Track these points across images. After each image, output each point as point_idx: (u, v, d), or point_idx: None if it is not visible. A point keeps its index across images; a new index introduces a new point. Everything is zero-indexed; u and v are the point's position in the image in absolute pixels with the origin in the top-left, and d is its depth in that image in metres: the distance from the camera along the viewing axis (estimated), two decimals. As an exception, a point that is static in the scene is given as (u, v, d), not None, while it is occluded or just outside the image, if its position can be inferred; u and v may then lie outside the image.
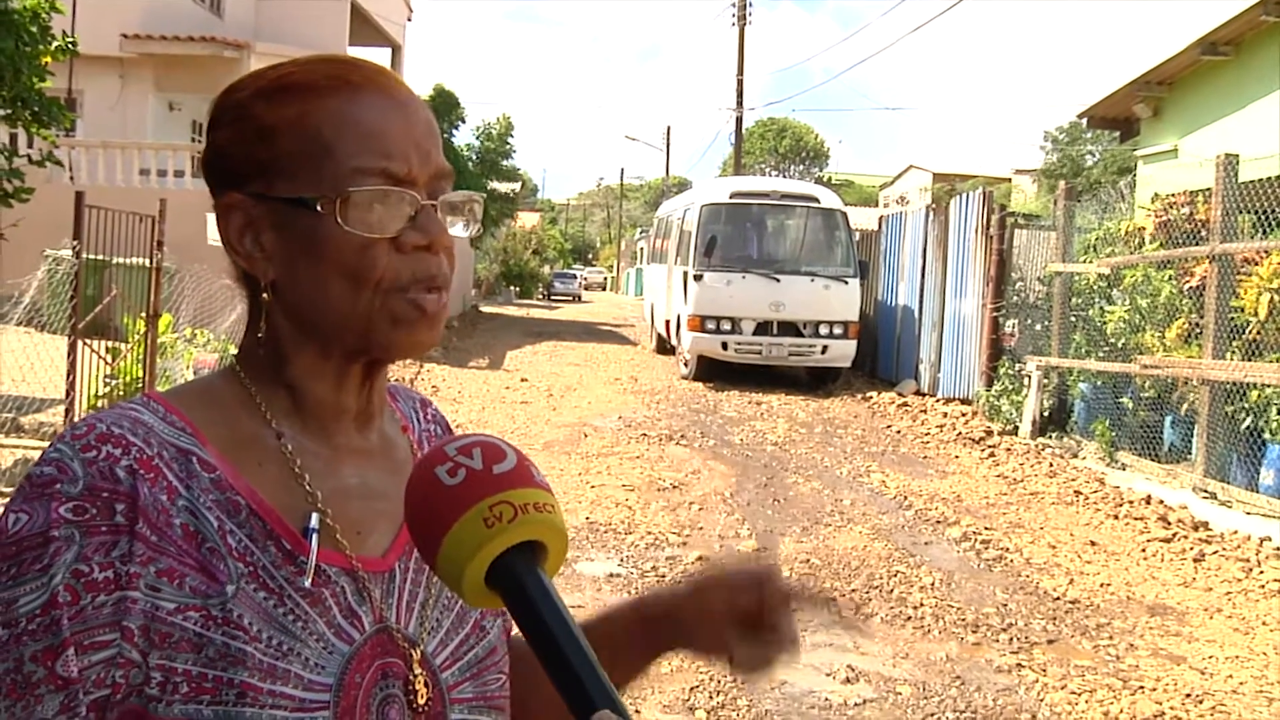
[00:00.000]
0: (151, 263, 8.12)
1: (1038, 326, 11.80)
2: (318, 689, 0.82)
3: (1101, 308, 10.41)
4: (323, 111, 0.87)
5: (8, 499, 0.79)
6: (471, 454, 0.76)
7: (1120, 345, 9.93)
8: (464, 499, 0.73)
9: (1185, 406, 8.95)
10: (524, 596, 0.73)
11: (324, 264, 0.86)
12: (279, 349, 0.91)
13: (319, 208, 0.85)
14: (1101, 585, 6.25)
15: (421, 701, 0.88)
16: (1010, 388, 11.57)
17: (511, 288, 44.17)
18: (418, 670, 0.89)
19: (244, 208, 0.89)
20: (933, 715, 4.39)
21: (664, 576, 5.99)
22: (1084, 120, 15.43)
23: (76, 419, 7.50)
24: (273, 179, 0.87)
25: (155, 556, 0.79)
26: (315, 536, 0.86)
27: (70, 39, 7.66)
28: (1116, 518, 7.82)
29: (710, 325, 14.30)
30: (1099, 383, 10.35)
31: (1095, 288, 10.62)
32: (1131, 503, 8.13)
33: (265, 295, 0.90)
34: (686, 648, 1.04)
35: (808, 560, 6.45)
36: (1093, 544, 7.13)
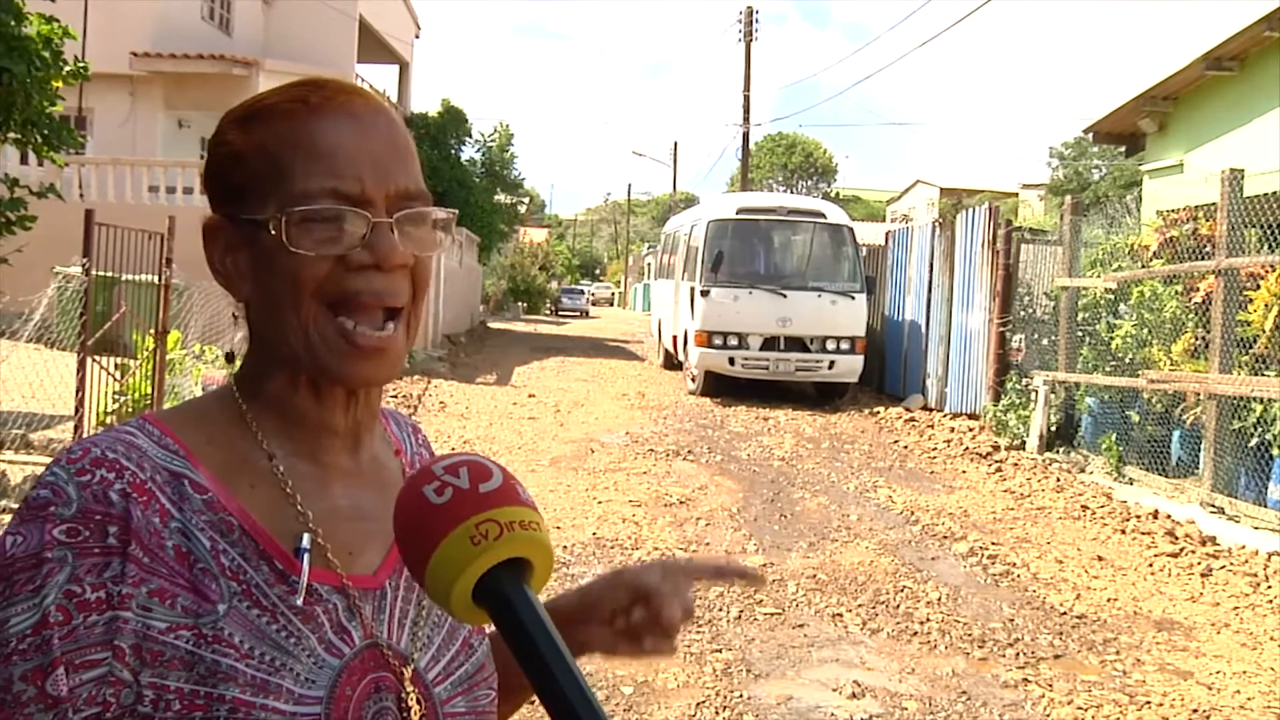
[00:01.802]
0: (160, 279, 8.17)
1: (1044, 341, 11.80)
2: (308, 703, 0.83)
3: (1108, 322, 10.41)
4: (281, 134, 0.89)
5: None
6: (458, 473, 0.77)
7: (1127, 360, 9.93)
8: (451, 517, 0.75)
9: (1192, 420, 8.94)
10: (510, 612, 0.74)
11: (277, 283, 0.88)
12: (261, 366, 0.93)
13: (270, 229, 0.87)
14: (1108, 600, 6.24)
15: (415, 718, 0.89)
16: (1017, 402, 11.56)
17: (519, 303, 44.21)
18: (410, 687, 0.90)
19: (223, 229, 0.92)
20: (939, 730, 4.39)
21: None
22: (1090, 135, 15.45)
23: (84, 436, 7.58)
24: (241, 202, 0.90)
25: (147, 577, 0.80)
26: (307, 556, 0.87)
27: (82, 63, 7.73)
28: (1124, 532, 7.81)
29: (717, 340, 14.32)
30: (1106, 397, 10.34)
31: (1102, 302, 10.62)
32: (1139, 517, 8.11)
33: (234, 315, 0.94)
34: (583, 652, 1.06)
35: (814, 576, 6.46)
36: (1100, 559, 7.12)
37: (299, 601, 0.86)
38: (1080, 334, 10.91)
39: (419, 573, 0.76)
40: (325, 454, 0.94)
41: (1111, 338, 10.18)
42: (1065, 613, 5.96)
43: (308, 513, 0.90)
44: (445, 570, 0.74)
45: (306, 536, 0.88)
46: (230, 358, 0.97)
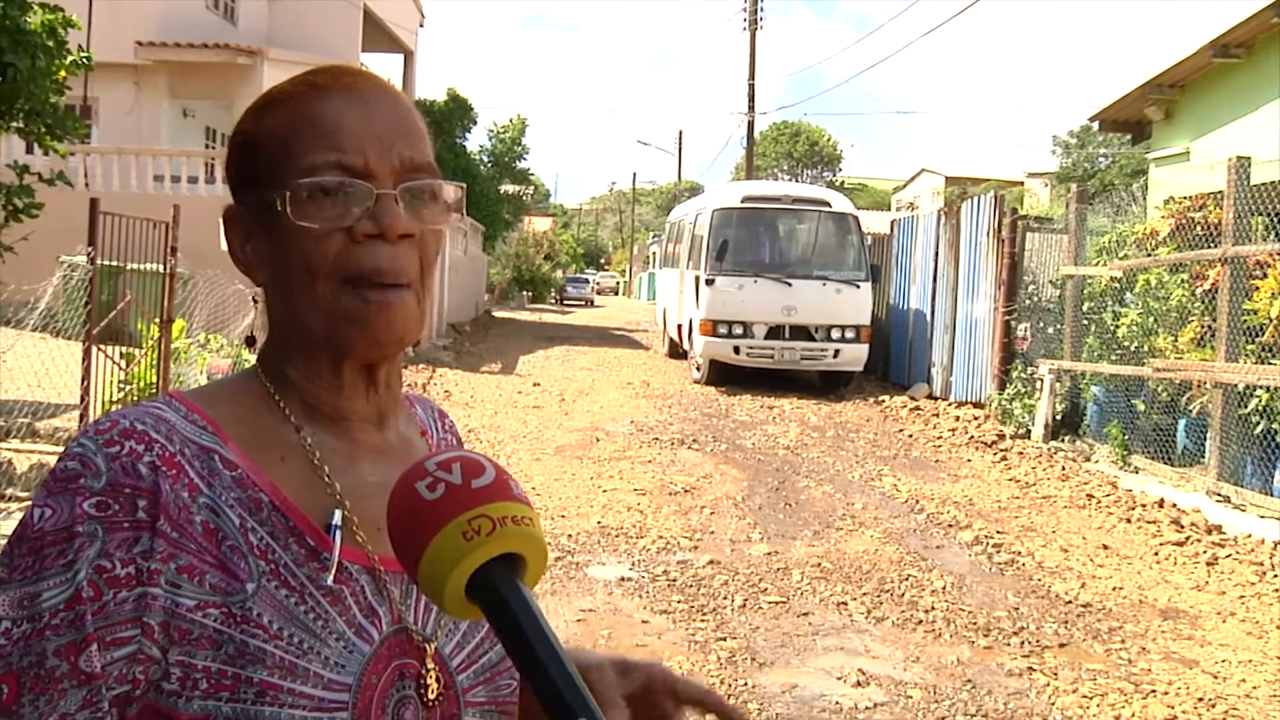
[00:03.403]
0: (165, 268, 8.17)
1: (1050, 330, 11.77)
2: (337, 688, 0.83)
3: (1114, 311, 10.38)
4: (289, 116, 0.90)
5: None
6: (451, 469, 0.77)
7: (1133, 348, 9.90)
8: (443, 513, 0.75)
9: (1198, 409, 8.91)
10: (503, 608, 0.74)
11: (288, 260, 0.89)
12: (281, 350, 0.94)
13: (276, 205, 0.88)
14: (1114, 589, 6.23)
15: (432, 696, 0.89)
16: (1022, 391, 11.54)
17: (524, 292, 44.19)
18: (430, 665, 0.90)
19: (240, 217, 0.93)
20: (943, 719, 4.39)
21: (674, 580, 6.00)
22: (1096, 123, 15.38)
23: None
24: (255, 187, 0.91)
25: (176, 553, 0.80)
26: (338, 533, 0.88)
27: (86, 53, 7.73)
28: (1129, 521, 7.79)
29: (722, 329, 14.29)
30: (1111, 386, 10.32)
31: (1108, 291, 10.59)
32: (1144, 506, 8.10)
33: (255, 300, 0.95)
34: None
35: (819, 564, 6.45)
36: (1105, 547, 7.10)
37: (329, 580, 0.86)
38: (1086, 322, 10.88)
39: (412, 569, 0.76)
40: (352, 431, 0.94)
41: (1117, 326, 10.15)
42: (1070, 601, 5.95)
43: (336, 484, 0.90)
44: (438, 566, 0.74)
45: (339, 513, 0.88)
46: (251, 341, 0.97)
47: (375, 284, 0.88)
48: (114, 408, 7.81)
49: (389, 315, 0.89)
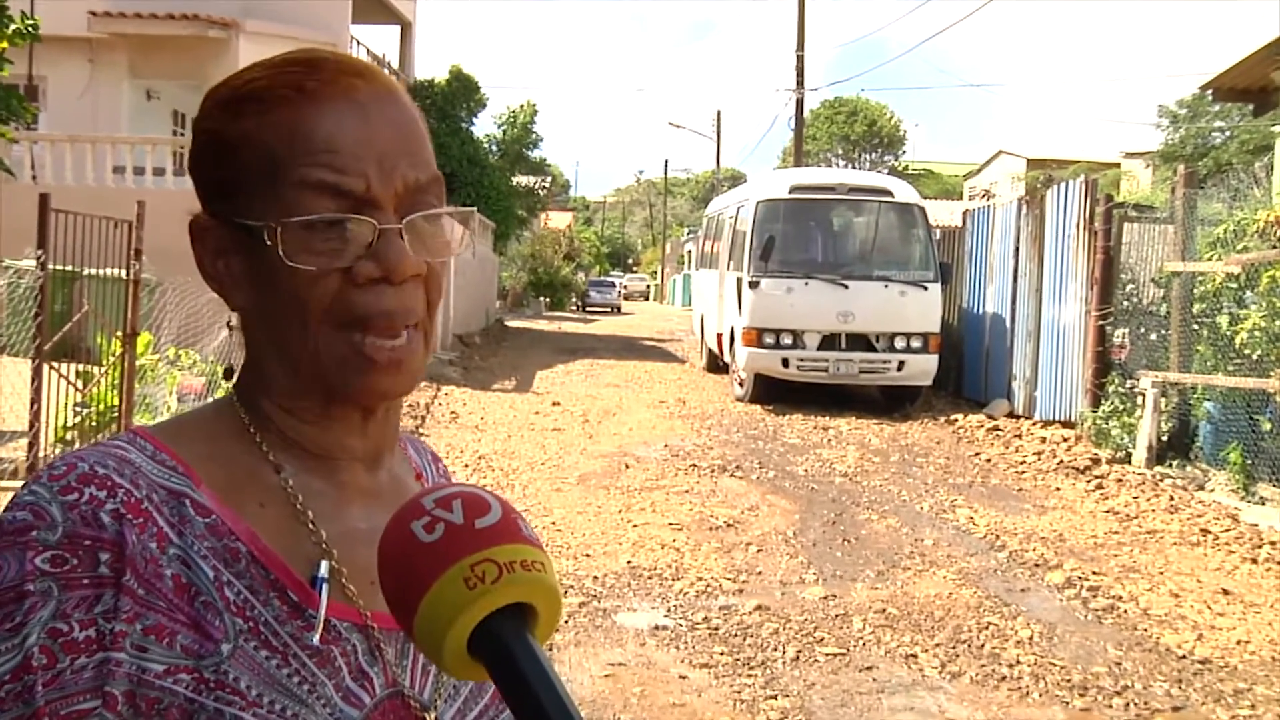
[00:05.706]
0: (128, 274, 8.23)
1: (1153, 336, 11.68)
2: None
3: (1231, 313, 10.27)
4: (276, 124, 0.88)
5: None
6: (451, 507, 0.77)
7: (1254, 357, 9.79)
8: (443, 557, 0.74)
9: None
10: (511, 666, 0.73)
11: (277, 296, 0.88)
12: (262, 381, 0.93)
13: (265, 238, 0.87)
14: (1238, 642, 6.15)
15: None
16: (1121, 408, 11.44)
17: (541, 298, 44.40)
18: None
19: (213, 230, 0.92)
20: (1035, 794, 4.33)
21: (717, 629, 5.97)
22: (1209, 92, 15.26)
23: (41, 454, 7.53)
24: (233, 201, 0.90)
25: (143, 612, 0.79)
26: (325, 587, 0.88)
27: (30, 20, 7.80)
28: (1255, 561, 7.70)
29: (769, 339, 14.30)
30: (1229, 402, 10.21)
31: (1223, 290, 10.48)
32: (1273, 544, 8.00)
33: (230, 325, 0.94)
34: None
35: (883, 610, 6.41)
36: (1225, 593, 7.02)
37: (315, 639, 0.86)
38: (1197, 327, 10.78)
39: (406, 620, 0.75)
40: (340, 472, 0.95)
41: (1235, 331, 10.04)
42: (1184, 656, 5.88)
43: (321, 532, 0.90)
44: (436, 618, 0.74)
45: (325, 565, 0.89)
46: (229, 374, 0.97)
47: (381, 332, 0.88)
48: (68, 435, 7.89)
49: (396, 364, 0.89)
